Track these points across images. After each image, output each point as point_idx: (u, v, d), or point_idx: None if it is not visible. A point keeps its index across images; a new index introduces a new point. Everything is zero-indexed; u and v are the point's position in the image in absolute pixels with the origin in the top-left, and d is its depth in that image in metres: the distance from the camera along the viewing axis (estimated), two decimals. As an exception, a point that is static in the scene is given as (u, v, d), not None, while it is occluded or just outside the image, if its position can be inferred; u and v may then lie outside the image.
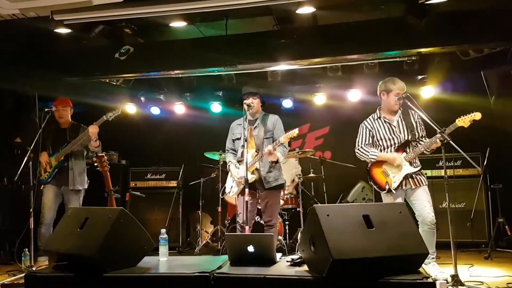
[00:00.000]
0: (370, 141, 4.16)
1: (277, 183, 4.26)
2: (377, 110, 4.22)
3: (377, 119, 4.17)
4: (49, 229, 4.72)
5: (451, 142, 3.67)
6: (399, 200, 3.96)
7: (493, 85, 5.71)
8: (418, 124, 4.08)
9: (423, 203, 3.89)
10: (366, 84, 6.05)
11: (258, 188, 4.23)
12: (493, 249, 5.00)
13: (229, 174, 4.46)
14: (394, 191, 3.95)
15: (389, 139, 4.08)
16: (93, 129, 4.63)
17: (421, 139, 4.05)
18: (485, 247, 5.18)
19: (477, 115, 3.80)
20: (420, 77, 5.93)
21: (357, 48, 4.98)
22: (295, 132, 3.98)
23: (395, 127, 4.09)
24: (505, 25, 4.46)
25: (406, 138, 4.04)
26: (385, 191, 4.00)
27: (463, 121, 3.81)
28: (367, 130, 4.18)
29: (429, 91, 6.01)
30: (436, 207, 5.42)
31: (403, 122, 4.09)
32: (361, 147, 4.16)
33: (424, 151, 3.96)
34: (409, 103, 3.98)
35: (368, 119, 4.23)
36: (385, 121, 4.13)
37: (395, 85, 4.05)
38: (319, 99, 6.50)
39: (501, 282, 3.73)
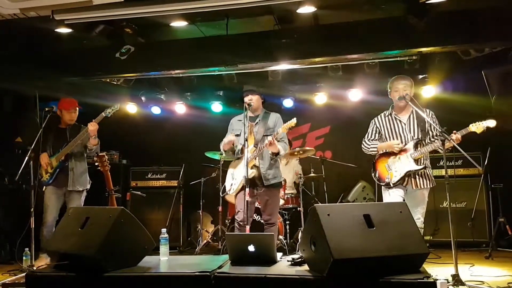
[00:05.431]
0: (377, 137, 4.24)
1: (276, 181, 4.26)
2: (390, 107, 4.26)
3: (387, 115, 4.22)
4: (51, 231, 4.68)
5: (453, 142, 3.67)
6: (398, 194, 3.98)
7: (494, 84, 5.70)
8: (430, 124, 4.03)
9: (416, 208, 3.92)
10: (367, 84, 6.06)
11: (257, 185, 4.22)
12: (494, 249, 4.99)
13: (228, 171, 4.46)
14: (392, 185, 4.00)
15: (396, 137, 4.10)
16: (92, 127, 4.60)
17: (434, 138, 4.00)
18: (486, 247, 5.17)
19: (492, 123, 3.77)
20: (421, 76, 5.92)
21: (357, 47, 4.97)
22: (293, 121, 3.99)
23: (405, 124, 4.11)
24: (505, 25, 4.46)
25: (415, 137, 4.04)
26: (384, 184, 4.06)
27: (477, 127, 3.78)
28: (375, 126, 4.26)
29: (430, 90, 6.00)
30: (436, 207, 5.49)
31: (415, 120, 4.08)
32: (365, 141, 4.28)
33: (438, 149, 3.87)
34: (410, 103, 4.00)
35: (379, 116, 4.29)
36: (395, 118, 4.16)
37: (392, 83, 4.14)
38: (320, 98, 6.50)
39: (502, 281, 3.72)
